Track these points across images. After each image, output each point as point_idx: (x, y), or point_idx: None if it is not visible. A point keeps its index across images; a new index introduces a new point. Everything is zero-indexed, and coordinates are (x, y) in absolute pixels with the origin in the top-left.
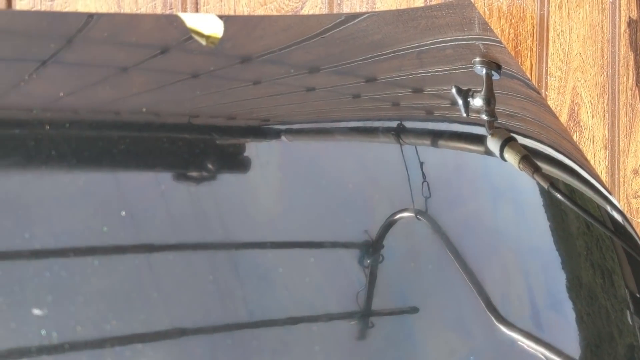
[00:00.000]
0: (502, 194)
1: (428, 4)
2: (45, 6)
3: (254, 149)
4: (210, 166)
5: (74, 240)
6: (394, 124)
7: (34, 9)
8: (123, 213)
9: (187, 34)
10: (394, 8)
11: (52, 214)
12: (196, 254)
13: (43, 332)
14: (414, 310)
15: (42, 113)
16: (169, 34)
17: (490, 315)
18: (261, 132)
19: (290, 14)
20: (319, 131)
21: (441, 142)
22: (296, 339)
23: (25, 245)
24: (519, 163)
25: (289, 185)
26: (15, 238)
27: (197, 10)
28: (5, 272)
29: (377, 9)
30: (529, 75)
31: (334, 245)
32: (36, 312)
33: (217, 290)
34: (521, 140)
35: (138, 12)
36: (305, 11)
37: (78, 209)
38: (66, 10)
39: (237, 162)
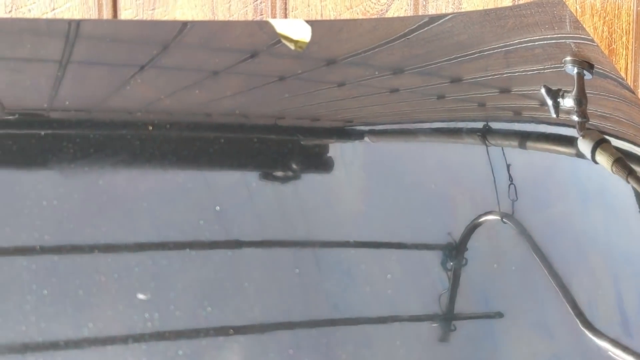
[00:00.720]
0: (592, 198)
1: (517, 3)
2: (147, 15)
3: (338, 149)
4: (295, 166)
5: (174, 233)
6: (479, 124)
7: (136, 18)
8: (217, 208)
9: (276, 39)
10: (480, 8)
11: (155, 209)
12: (282, 250)
13: (146, 315)
14: (498, 314)
15: (145, 115)
16: (259, 39)
17: (576, 319)
18: (345, 133)
19: (375, 16)
20: (402, 132)
21: (529, 144)
22: (378, 335)
23: (131, 238)
24: (612, 166)
25: (372, 185)
26: (124, 230)
27: (285, 16)
28: (115, 260)
29: (463, 10)
30: (623, 75)
31: (417, 246)
32: (140, 296)
33: (301, 285)
34: (614, 142)
35: (231, 18)
36: (391, 13)
37: (178, 203)
38: (165, 19)
39: (321, 162)
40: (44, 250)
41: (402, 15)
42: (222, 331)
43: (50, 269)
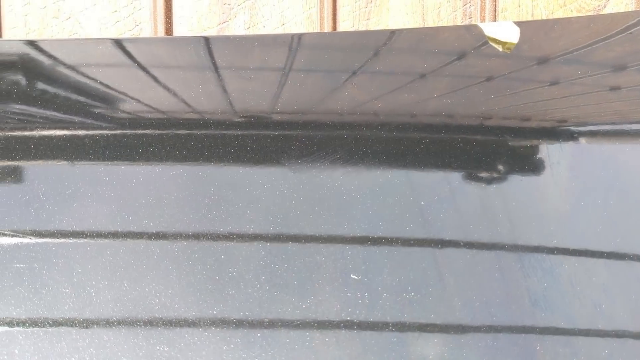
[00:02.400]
0: None
1: None
2: (362, 25)
3: (544, 149)
4: (501, 167)
5: (382, 226)
6: None
7: (352, 29)
8: (422, 203)
9: (483, 40)
10: None
11: (366, 202)
12: (483, 251)
13: (358, 294)
14: None
15: (359, 117)
16: (466, 42)
17: None
18: (556, 133)
19: (591, 13)
20: (619, 133)
21: None
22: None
23: (344, 229)
24: None
25: (582, 188)
26: (337, 221)
27: (495, 18)
28: (332, 248)
29: None
30: None
31: (626, 256)
32: (353, 276)
33: (502, 286)
34: None
35: (440, 23)
36: (609, 9)
37: (385, 199)
38: (378, 28)
39: (530, 164)
40: (274, 238)
41: (622, 10)
42: (421, 325)
43: (277, 256)
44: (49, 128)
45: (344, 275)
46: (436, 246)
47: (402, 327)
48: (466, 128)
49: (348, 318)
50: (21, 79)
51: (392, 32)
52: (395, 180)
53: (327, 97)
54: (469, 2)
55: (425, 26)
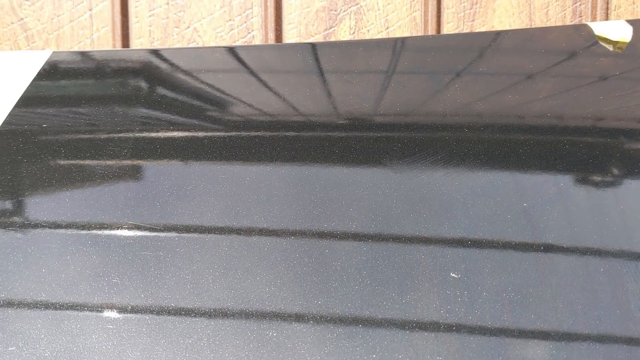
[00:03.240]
0: None
1: None
2: (467, 27)
3: None
4: (615, 171)
5: (481, 227)
6: None
7: (457, 31)
8: (525, 204)
9: (593, 40)
10: None
11: (469, 203)
12: (588, 255)
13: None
14: None
15: (461, 118)
16: (575, 42)
17: None
18: None
19: None
20: None
21: None
22: None
23: (444, 230)
24: None
25: None
26: (438, 221)
27: (607, 16)
28: (426, 248)
29: None
30: None
31: None
32: (453, 275)
33: (612, 296)
34: None
35: (548, 22)
36: None
37: (490, 202)
38: (483, 29)
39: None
40: (375, 236)
41: None
42: (521, 327)
43: (379, 253)
44: (172, 130)
45: (443, 273)
46: (538, 248)
47: (501, 327)
48: (573, 129)
49: (447, 315)
50: (147, 85)
51: (498, 34)
52: (497, 182)
53: (430, 99)
54: (579, 0)
55: (533, 26)
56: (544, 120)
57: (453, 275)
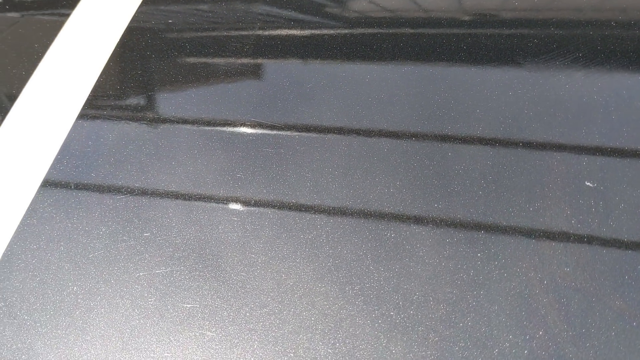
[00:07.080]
0: None
1: None
2: None
3: None
4: None
5: None
6: None
7: None
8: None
9: None
10: None
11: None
12: None
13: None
14: None
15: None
16: None
17: None
18: None
19: None
20: None
21: None
22: None
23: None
24: None
25: None
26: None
27: None
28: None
29: None
30: None
31: None
32: (588, 184)
33: None
34: None
35: None
36: None
37: (633, 105)
38: None
39: None
40: (503, 140)
41: None
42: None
43: (506, 157)
44: (292, 27)
45: (577, 181)
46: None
47: (638, 241)
48: None
49: (578, 226)
50: None
51: None
52: None
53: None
54: None
55: None
56: None
57: (588, 184)
